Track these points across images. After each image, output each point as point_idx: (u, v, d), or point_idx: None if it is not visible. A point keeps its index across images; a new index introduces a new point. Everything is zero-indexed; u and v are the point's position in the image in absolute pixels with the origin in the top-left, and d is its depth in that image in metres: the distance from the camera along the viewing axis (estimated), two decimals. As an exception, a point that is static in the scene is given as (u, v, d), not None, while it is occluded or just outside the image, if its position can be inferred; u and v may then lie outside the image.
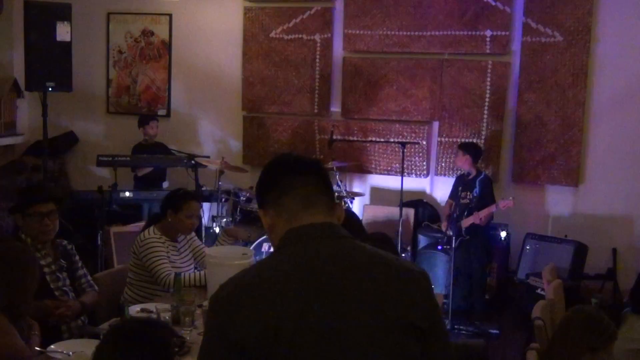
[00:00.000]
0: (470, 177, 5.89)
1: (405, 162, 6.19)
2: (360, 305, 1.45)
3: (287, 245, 1.55)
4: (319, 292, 1.44)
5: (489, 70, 6.43)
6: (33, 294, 2.91)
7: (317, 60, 6.88)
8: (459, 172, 6.18)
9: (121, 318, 2.95)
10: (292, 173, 1.61)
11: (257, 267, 1.58)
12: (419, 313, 1.49)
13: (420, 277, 1.56)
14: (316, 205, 1.58)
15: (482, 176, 5.84)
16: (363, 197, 6.73)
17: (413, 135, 6.66)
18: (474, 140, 6.39)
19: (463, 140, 6.41)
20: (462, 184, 5.96)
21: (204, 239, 5.77)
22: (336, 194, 6.15)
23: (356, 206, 6.55)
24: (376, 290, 1.47)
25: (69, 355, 2.71)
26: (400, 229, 5.92)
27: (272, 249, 1.88)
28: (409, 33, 6.57)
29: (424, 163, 6.67)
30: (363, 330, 1.43)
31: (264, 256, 5.20)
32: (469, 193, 5.81)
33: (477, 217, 5.65)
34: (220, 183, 6.20)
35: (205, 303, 3.18)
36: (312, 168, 1.63)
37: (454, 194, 6.09)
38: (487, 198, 5.75)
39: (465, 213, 5.76)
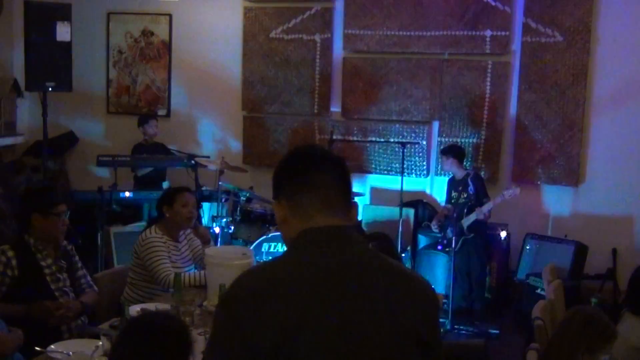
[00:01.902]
0: (461, 177, 5.91)
1: (405, 162, 6.20)
2: (379, 313, 1.43)
3: (303, 246, 1.50)
4: (339, 298, 1.41)
5: (489, 70, 6.43)
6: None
7: (317, 60, 6.88)
8: (450, 175, 6.20)
9: (121, 318, 2.95)
10: (315, 170, 1.55)
11: (272, 267, 1.52)
12: (427, 327, 1.49)
13: (430, 291, 1.56)
14: (334, 207, 1.53)
15: (472, 173, 5.88)
16: (363, 197, 6.73)
17: (413, 135, 6.66)
18: (474, 140, 6.42)
19: (462, 140, 6.44)
20: (455, 186, 6.00)
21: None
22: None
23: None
24: (392, 301, 1.46)
25: (69, 355, 2.71)
26: (400, 229, 5.92)
27: (281, 247, 1.86)
28: (409, 33, 6.57)
29: (424, 163, 6.67)
30: (379, 340, 1.42)
31: (264, 257, 5.19)
32: (464, 193, 5.84)
33: (480, 213, 5.65)
34: (220, 183, 6.20)
35: (205, 303, 3.19)
36: (335, 166, 1.57)
37: (448, 199, 6.13)
38: (481, 194, 5.79)
39: (465, 211, 5.77)
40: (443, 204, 6.36)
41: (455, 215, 5.68)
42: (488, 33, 6.37)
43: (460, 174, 5.95)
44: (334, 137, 6.48)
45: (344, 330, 1.39)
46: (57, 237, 3.46)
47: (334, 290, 1.42)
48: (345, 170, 1.59)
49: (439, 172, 6.63)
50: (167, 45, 7.34)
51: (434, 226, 6.07)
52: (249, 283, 1.45)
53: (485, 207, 5.66)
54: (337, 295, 1.41)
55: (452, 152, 5.96)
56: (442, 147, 6.26)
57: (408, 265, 5.87)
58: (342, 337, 1.39)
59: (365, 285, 1.45)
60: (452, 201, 5.99)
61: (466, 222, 5.75)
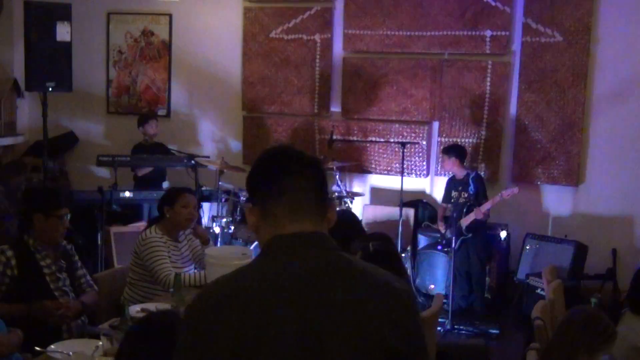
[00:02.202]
0: (462, 177, 5.92)
1: (405, 162, 6.20)
2: (342, 323, 1.38)
3: (270, 255, 1.47)
4: (301, 307, 1.37)
5: (489, 70, 6.43)
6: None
7: (317, 60, 6.88)
8: (450, 174, 6.20)
9: (121, 318, 2.96)
10: (285, 174, 1.50)
11: (237, 277, 1.46)
12: (400, 336, 1.42)
13: (406, 298, 1.49)
14: (305, 212, 1.49)
15: (474, 174, 5.90)
16: (363, 197, 6.73)
17: (413, 135, 6.66)
18: (474, 140, 6.43)
19: (462, 140, 6.44)
20: (455, 185, 6.00)
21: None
22: (336, 194, 6.17)
23: (356, 206, 6.55)
24: (360, 310, 1.40)
25: (69, 355, 2.71)
26: (400, 229, 5.92)
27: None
28: (409, 33, 6.57)
29: (424, 163, 6.67)
30: (343, 351, 1.36)
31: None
32: (464, 192, 5.85)
33: (479, 213, 5.66)
34: (220, 183, 6.20)
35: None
36: (308, 168, 1.52)
37: (447, 198, 6.14)
38: (480, 194, 5.81)
39: (465, 211, 5.78)
40: (440, 203, 6.36)
41: (454, 215, 5.68)
42: (488, 33, 6.37)
43: (460, 173, 5.96)
44: (334, 137, 6.49)
45: (305, 340, 1.35)
46: (56, 238, 3.46)
47: (296, 299, 1.37)
48: (319, 172, 1.54)
49: (439, 172, 6.63)
50: (167, 45, 7.34)
51: (442, 227, 6.07)
52: (210, 294, 1.44)
53: (484, 207, 5.67)
54: (299, 304, 1.37)
55: (454, 151, 5.97)
56: (443, 147, 6.27)
57: (408, 265, 5.88)
58: (303, 348, 1.34)
59: (332, 293, 1.39)
60: (452, 201, 5.99)
61: (465, 222, 5.75)
